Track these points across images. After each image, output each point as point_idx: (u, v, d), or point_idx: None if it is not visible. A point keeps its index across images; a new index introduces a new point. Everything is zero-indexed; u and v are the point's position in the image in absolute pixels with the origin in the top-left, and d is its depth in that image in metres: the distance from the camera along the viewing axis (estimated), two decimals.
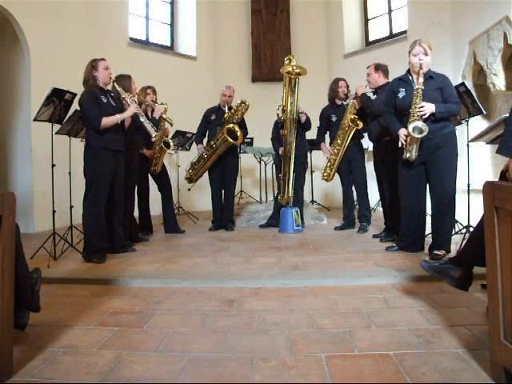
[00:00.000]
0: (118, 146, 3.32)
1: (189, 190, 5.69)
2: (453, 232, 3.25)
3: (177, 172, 6.40)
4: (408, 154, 2.99)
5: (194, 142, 4.93)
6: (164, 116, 4.39)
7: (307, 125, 4.61)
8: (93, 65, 3.26)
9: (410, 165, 3.05)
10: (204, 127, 4.85)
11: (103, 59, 3.31)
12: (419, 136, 2.86)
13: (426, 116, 2.90)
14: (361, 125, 4.20)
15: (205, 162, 4.76)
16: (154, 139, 3.76)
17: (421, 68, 2.92)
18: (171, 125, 4.45)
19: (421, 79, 2.92)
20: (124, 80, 3.73)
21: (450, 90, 3.00)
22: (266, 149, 5.97)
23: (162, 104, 4.45)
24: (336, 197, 7.24)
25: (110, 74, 3.32)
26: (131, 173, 3.83)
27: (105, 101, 3.27)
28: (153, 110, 4.48)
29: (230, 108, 4.66)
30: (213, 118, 4.76)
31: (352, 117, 4.23)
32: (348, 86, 4.47)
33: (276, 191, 4.98)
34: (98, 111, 3.18)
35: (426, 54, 2.95)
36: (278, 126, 4.75)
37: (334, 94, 4.47)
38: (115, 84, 3.42)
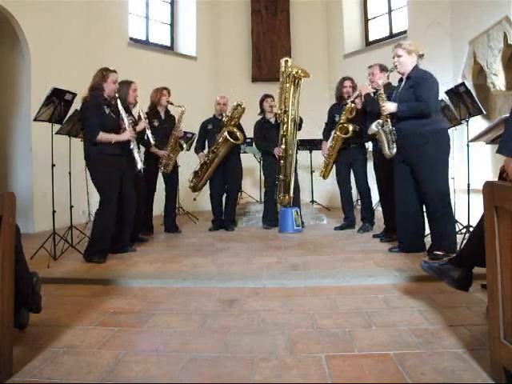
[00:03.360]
0: (119, 151, 3.32)
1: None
2: (450, 231, 3.16)
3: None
4: (385, 151, 3.24)
5: (195, 152, 4.92)
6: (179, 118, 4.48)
7: (299, 125, 4.61)
8: (104, 74, 3.25)
9: (392, 162, 3.25)
10: (203, 138, 4.88)
11: (114, 71, 3.31)
12: (371, 133, 3.32)
13: (386, 113, 3.16)
14: (350, 133, 4.20)
15: (208, 167, 4.74)
16: (138, 169, 3.57)
17: (395, 68, 3.12)
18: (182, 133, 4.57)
19: (380, 81, 3.35)
20: (122, 86, 3.71)
21: (420, 88, 2.96)
22: None
23: (179, 106, 4.48)
24: (336, 197, 7.23)
25: (116, 88, 3.33)
26: (135, 175, 3.87)
27: (107, 112, 3.29)
28: (166, 111, 4.54)
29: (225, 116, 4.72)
30: (209, 127, 4.81)
31: (342, 125, 4.27)
32: (354, 87, 4.39)
33: (263, 190, 5.01)
34: (98, 124, 3.19)
35: (399, 56, 3.05)
36: (266, 126, 4.74)
37: (339, 94, 4.46)
38: (118, 102, 3.38)
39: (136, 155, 3.50)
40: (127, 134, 3.36)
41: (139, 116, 3.92)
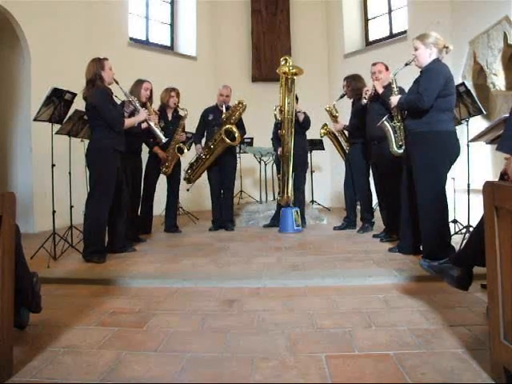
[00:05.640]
0: (123, 148, 3.35)
1: (187, 190, 5.69)
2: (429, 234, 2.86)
3: None
4: (392, 149, 3.35)
5: (193, 142, 4.94)
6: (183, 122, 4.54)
7: (306, 124, 4.60)
8: (101, 63, 3.23)
9: (391, 162, 3.44)
10: (202, 127, 4.84)
11: (106, 59, 3.29)
12: (379, 124, 3.36)
13: (391, 107, 3.25)
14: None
15: (203, 162, 4.76)
16: (163, 141, 3.77)
17: (410, 62, 3.02)
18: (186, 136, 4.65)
19: (391, 75, 3.38)
20: (136, 85, 3.87)
21: (421, 82, 2.83)
22: (266, 149, 5.96)
23: (182, 109, 4.49)
24: (336, 197, 7.24)
25: (113, 74, 3.32)
26: (135, 174, 3.91)
27: (116, 101, 3.35)
28: (174, 112, 4.55)
29: (227, 108, 4.64)
30: (210, 117, 4.75)
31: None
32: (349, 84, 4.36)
33: (277, 191, 4.99)
34: (118, 112, 3.24)
35: (416, 49, 2.89)
36: (278, 126, 4.75)
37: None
38: (121, 88, 3.40)
39: (156, 131, 3.65)
40: (143, 114, 3.46)
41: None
